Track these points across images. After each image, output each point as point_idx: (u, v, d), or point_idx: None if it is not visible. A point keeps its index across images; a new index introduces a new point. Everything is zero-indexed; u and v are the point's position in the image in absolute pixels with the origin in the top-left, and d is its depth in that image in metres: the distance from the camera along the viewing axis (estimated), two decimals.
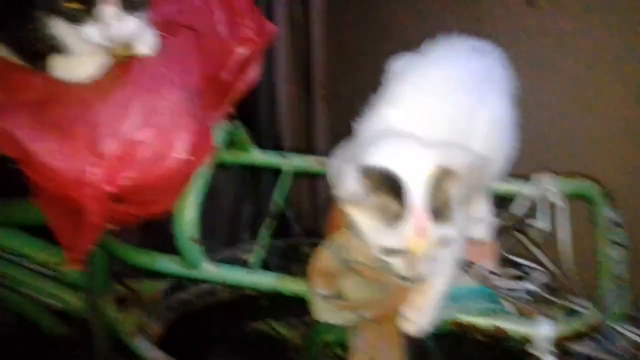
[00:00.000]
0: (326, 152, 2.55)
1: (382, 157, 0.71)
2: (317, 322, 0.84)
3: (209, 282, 0.99)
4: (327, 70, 2.39)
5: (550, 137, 1.37)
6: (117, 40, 0.72)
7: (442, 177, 0.68)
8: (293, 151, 2.43)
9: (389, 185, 0.68)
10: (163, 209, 0.81)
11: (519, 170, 0.92)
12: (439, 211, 0.68)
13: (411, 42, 1.84)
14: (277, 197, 1.00)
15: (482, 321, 0.79)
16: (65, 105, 0.74)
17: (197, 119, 0.77)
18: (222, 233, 1.96)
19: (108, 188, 0.72)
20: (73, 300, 1.27)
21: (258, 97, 1.99)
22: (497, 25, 1.46)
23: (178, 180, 0.78)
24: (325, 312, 0.79)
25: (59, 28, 0.72)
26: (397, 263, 0.70)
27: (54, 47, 0.74)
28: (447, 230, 0.68)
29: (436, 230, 0.68)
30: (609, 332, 0.86)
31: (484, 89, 0.83)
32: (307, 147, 2.35)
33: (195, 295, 1.13)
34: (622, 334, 0.87)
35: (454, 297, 0.79)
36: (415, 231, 0.67)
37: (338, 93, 2.40)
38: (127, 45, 0.75)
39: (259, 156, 1.03)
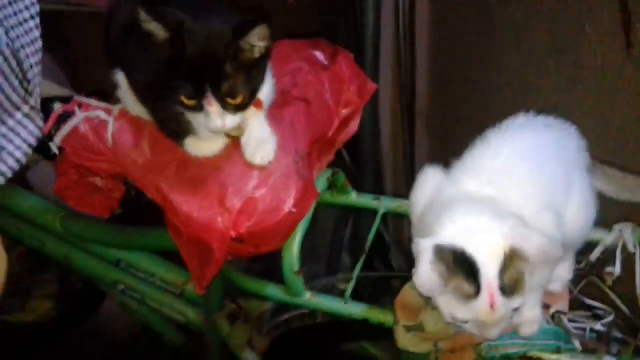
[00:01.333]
0: None
1: (457, 235, 0.77)
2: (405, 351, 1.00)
3: (307, 308, 1.17)
4: (430, 102, 2.50)
5: None
6: (218, 132, 0.92)
7: (514, 256, 0.75)
8: (395, 182, 2.56)
9: (462, 262, 0.75)
10: (273, 249, 1.01)
11: None
12: (511, 286, 0.75)
13: (508, 74, 1.92)
14: (370, 236, 1.17)
15: (549, 357, 0.92)
16: (202, 168, 0.97)
17: (303, 178, 0.97)
18: (324, 255, 2.12)
19: (232, 234, 0.94)
20: (193, 316, 1.48)
21: (363, 125, 2.17)
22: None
23: (286, 227, 0.98)
24: (407, 341, 0.94)
25: (194, 117, 0.93)
26: (469, 327, 0.80)
27: (187, 129, 0.95)
28: (517, 302, 0.76)
29: (507, 305, 0.75)
30: None
31: (574, 163, 0.94)
32: (408, 175, 2.47)
33: (296, 317, 1.30)
34: None
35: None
36: (488, 307, 0.75)
37: (440, 123, 2.51)
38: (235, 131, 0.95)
39: (356, 199, 1.20)
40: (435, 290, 0.76)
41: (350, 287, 1.09)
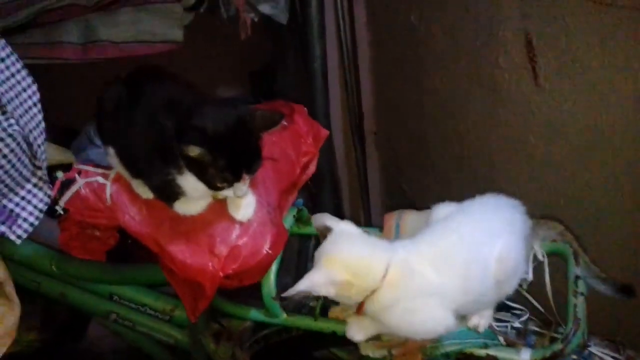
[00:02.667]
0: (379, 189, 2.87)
1: None
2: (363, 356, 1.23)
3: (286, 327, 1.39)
4: (377, 120, 2.72)
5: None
6: (240, 196, 1.13)
7: None
8: (351, 194, 2.76)
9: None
10: (253, 281, 1.24)
11: None
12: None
13: (442, 106, 2.15)
14: None
15: (479, 351, 1.17)
16: (192, 223, 1.18)
17: (276, 225, 1.20)
18: (292, 267, 2.31)
19: (221, 274, 1.15)
20: (180, 337, 1.65)
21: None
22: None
23: (264, 265, 1.22)
24: (367, 348, 1.18)
25: (186, 183, 1.12)
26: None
27: (177, 193, 1.14)
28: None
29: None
30: (588, 354, 1.21)
31: (503, 236, 1.13)
32: (362, 188, 2.69)
33: (274, 332, 1.46)
34: (598, 356, 1.21)
35: (459, 336, 1.17)
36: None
37: (387, 138, 2.73)
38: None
39: None
40: None
41: (318, 306, 1.32)
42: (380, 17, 2.44)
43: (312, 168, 1.38)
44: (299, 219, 1.39)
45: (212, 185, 1.09)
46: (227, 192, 1.11)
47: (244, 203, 1.17)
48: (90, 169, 1.30)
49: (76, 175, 1.29)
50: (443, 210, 1.20)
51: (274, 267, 1.25)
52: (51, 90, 1.26)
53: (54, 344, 2.09)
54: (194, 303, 1.24)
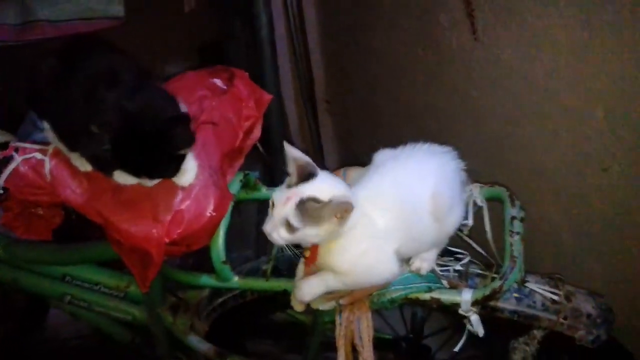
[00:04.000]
0: (334, 155, 2.93)
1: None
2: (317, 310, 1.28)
3: (238, 289, 1.43)
4: (328, 87, 2.76)
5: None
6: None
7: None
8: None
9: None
10: (201, 246, 1.27)
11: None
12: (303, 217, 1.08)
13: (390, 68, 2.19)
14: None
15: (423, 295, 1.24)
16: (134, 191, 1.20)
17: (219, 187, 1.23)
18: (251, 240, 2.35)
19: (166, 240, 1.19)
20: (137, 313, 1.68)
21: (271, 118, 2.35)
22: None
23: (210, 228, 1.25)
24: (317, 302, 1.23)
25: None
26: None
27: (114, 165, 1.17)
28: (295, 222, 1.08)
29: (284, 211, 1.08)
30: (528, 292, 1.28)
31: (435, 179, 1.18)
32: (317, 155, 2.74)
33: (230, 298, 1.52)
34: (538, 292, 1.28)
35: (403, 282, 1.24)
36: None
37: (340, 105, 2.77)
38: None
39: (267, 192, 1.44)
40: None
41: (269, 267, 1.37)
42: None
43: (257, 132, 1.41)
44: (246, 185, 1.42)
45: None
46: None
47: (185, 168, 1.19)
48: (28, 145, 1.31)
49: (13, 153, 1.30)
50: (381, 156, 1.25)
51: (221, 231, 1.28)
52: None
53: (15, 333, 2.10)
54: (143, 272, 1.26)
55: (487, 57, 1.67)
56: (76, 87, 1.16)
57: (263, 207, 2.42)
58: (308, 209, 1.07)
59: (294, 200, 1.07)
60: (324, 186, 1.09)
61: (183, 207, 1.20)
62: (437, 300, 1.24)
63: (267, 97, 1.44)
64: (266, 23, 2.29)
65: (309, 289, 1.19)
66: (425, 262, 1.24)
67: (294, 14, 2.53)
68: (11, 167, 1.28)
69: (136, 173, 1.13)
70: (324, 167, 2.82)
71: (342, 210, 1.08)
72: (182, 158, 1.16)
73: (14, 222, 1.37)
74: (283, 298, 1.41)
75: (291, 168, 1.10)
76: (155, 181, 1.17)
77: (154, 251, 1.19)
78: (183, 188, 1.20)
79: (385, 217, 1.15)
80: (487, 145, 1.77)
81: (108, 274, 1.66)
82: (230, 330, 1.64)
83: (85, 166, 1.24)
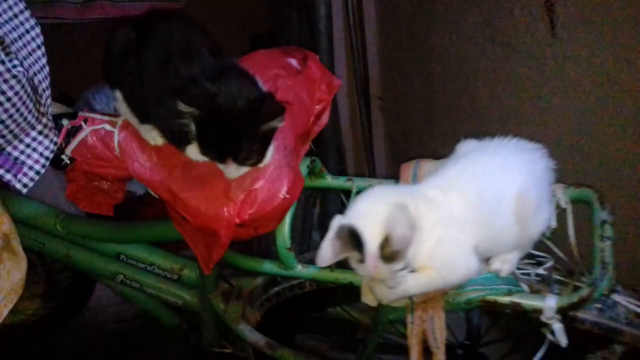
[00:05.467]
0: (384, 153, 2.83)
1: (353, 216, 1.01)
2: (382, 306, 1.19)
3: (301, 278, 1.34)
4: (382, 84, 2.67)
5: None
6: (229, 177, 1.11)
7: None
8: (356, 160, 2.72)
9: (354, 238, 0.98)
10: (269, 230, 1.18)
11: None
12: (390, 256, 0.98)
13: (452, 64, 2.10)
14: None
15: (502, 298, 1.13)
16: (206, 167, 1.12)
17: (293, 169, 1.14)
18: (297, 235, 2.28)
19: (237, 221, 1.10)
20: (189, 298, 1.62)
21: None
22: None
23: (281, 211, 1.16)
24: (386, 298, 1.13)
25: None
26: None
27: (190, 138, 1.09)
28: (399, 265, 0.99)
29: (389, 267, 0.99)
30: (612, 303, 1.17)
31: (522, 178, 1.09)
32: (367, 151, 2.64)
33: (286, 288, 1.42)
34: (622, 304, 1.17)
35: (481, 282, 1.13)
36: (373, 269, 0.99)
37: (393, 103, 2.68)
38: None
39: (332, 181, 1.38)
40: (326, 262, 0.99)
41: None
42: None
43: (325, 119, 1.32)
44: (312, 171, 1.34)
45: (202, 151, 1.07)
46: (220, 165, 1.09)
47: None
48: (97, 116, 1.24)
49: (82, 123, 1.23)
50: (465, 147, 1.16)
51: (287, 218, 1.19)
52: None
53: (58, 312, 2.07)
54: (207, 253, 1.19)
55: (564, 54, 1.56)
56: (152, 57, 1.09)
57: (311, 199, 2.39)
58: (387, 255, 0.99)
59: (375, 263, 0.99)
60: (374, 232, 0.99)
61: (257, 186, 1.12)
62: (517, 305, 1.13)
63: (337, 82, 1.36)
64: (325, 15, 2.20)
65: (415, 284, 1.07)
66: (506, 263, 1.13)
67: (354, 7, 2.44)
68: (80, 137, 1.22)
69: (222, 155, 1.06)
70: (373, 168, 2.73)
71: (406, 238, 0.99)
72: (269, 138, 1.09)
73: (78, 194, 1.31)
74: (342, 292, 1.35)
75: (336, 252, 1.01)
76: (242, 170, 1.09)
77: (222, 232, 1.11)
78: (257, 168, 1.11)
79: (462, 208, 1.06)
80: (557, 148, 1.65)
81: (163, 255, 1.60)
82: (282, 322, 1.55)
83: (155, 140, 1.17)
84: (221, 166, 1.08)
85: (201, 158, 1.10)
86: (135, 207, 2.15)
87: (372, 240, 0.98)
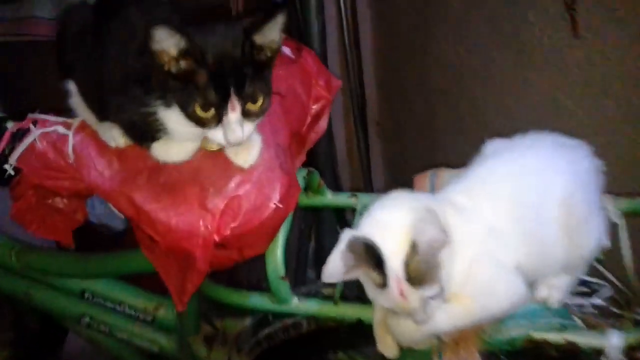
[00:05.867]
0: (383, 183, 2.63)
1: (371, 227, 0.80)
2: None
3: (298, 315, 1.10)
4: (380, 107, 2.50)
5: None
6: (234, 143, 0.84)
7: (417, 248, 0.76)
8: (353, 186, 2.52)
9: (371, 253, 0.77)
10: (257, 252, 0.94)
11: None
12: (420, 275, 0.76)
13: (456, 79, 1.93)
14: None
15: (554, 336, 0.88)
16: (177, 171, 0.90)
17: (287, 172, 0.91)
18: (290, 271, 2.05)
19: (216, 238, 0.86)
20: (165, 343, 1.37)
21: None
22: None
23: (272, 226, 0.92)
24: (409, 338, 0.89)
25: (169, 119, 0.86)
26: (401, 313, 0.81)
27: (156, 131, 0.88)
28: (432, 289, 0.77)
29: (419, 293, 0.76)
30: None
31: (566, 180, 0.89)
32: (365, 181, 2.45)
33: (279, 330, 1.19)
34: None
35: (526, 315, 0.89)
36: (398, 297, 0.77)
37: (391, 127, 2.51)
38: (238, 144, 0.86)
39: (332, 198, 1.15)
40: (335, 278, 0.79)
41: (338, 288, 1.03)
42: None
43: (323, 124, 1.10)
44: (309, 186, 1.11)
45: (191, 114, 0.82)
46: (215, 134, 0.83)
47: (245, 144, 0.87)
48: (49, 117, 1.02)
49: (31, 125, 1.01)
50: (493, 147, 0.96)
51: (280, 237, 0.95)
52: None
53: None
54: (181, 284, 0.94)
55: (589, 56, 1.38)
56: (113, 38, 0.89)
57: (305, 233, 2.17)
58: (416, 275, 0.77)
59: (400, 287, 0.77)
60: (397, 244, 0.77)
61: (241, 192, 0.88)
62: (573, 345, 0.88)
63: (337, 82, 1.15)
64: (318, 32, 2.05)
65: (447, 318, 0.83)
66: (555, 290, 0.90)
67: (349, 26, 2.30)
68: (27, 141, 0.99)
69: (221, 97, 0.81)
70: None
71: (438, 245, 0.77)
72: (269, 72, 0.87)
73: (26, 214, 1.08)
74: (347, 334, 1.11)
75: (348, 266, 0.79)
76: (248, 126, 0.85)
77: (198, 253, 0.87)
78: (242, 170, 0.88)
79: (497, 217, 0.85)
80: None
81: (134, 293, 1.38)
82: None
83: (117, 140, 0.95)
84: (217, 135, 0.84)
85: (171, 154, 0.88)
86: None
87: (394, 255, 0.76)
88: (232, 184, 0.87)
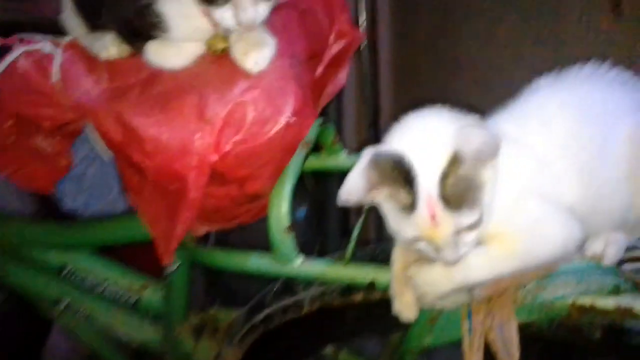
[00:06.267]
0: None
1: (401, 141, 0.67)
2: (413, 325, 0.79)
3: (302, 279, 0.95)
4: (395, 119, 2.41)
5: None
6: (245, 25, 0.73)
7: (459, 160, 0.63)
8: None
9: (399, 168, 0.64)
10: (262, 186, 0.81)
11: None
12: (458, 196, 0.63)
13: (481, 82, 1.83)
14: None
15: (604, 302, 0.74)
16: (173, 80, 0.77)
17: (302, 86, 0.78)
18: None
19: (214, 157, 0.73)
20: (149, 332, 1.25)
21: None
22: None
23: (282, 148, 0.78)
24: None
25: (170, 7, 0.75)
26: (424, 248, 0.67)
27: (157, 28, 0.77)
28: (470, 216, 0.64)
29: (454, 218, 0.64)
30: None
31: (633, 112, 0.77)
32: None
33: (278, 310, 1.04)
34: None
35: (576, 272, 0.74)
36: (428, 221, 0.63)
37: None
38: (252, 29, 0.75)
39: (348, 160, 1.01)
40: (355, 197, 0.65)
41: (350, 249, 0.89)
42: None
43: (342, 78, 0.98)
44: (322, 143, 0.99)
45: None
46: (224, 14, 0.71)
47: (254, 40, 0.75)
48: (37, 36, 0.90)
49: (16, 43, 0.90)
50: (543, 82, 0.82)
51: (289, 176, 0.81)
52: None
53: None
54: (168, 227, 0.80)
55: (635, 36, 1.30)
56: None
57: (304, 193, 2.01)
58: (453, 194, 0.63)
59: (433, 207, 0.63)
60: (434, 157, 0.64)
61: (247, 98, 0.74)
62: (625, 311, 0.73)
63: (359, 34, 1.01)
64: None
65: (482, 264, 0.69)
66: (611, 246, 0.75)
67: (367, 32, 2.23)
68: (8, 59, 0.87)
69: None
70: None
71: (489, 152, 0.63)
72: None
73: (2, 155, 0.94)
74: (353, 317, 0.98)
75: (372, 184, 0.66)
76: (262, 5, 0.72)
77: (191, 177, 0.73)
78: (248, 75, 0.75)
79: (550, 149, 0.72)
80: None
81: (120, 270, 1.23)
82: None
83: (109, 49, 0.82)
84: (226, 15, 0.72)
85: (170, 61, 0.77)
86: None
87: (429, 168, 0.63)
88: (237, 90, 0.74)
